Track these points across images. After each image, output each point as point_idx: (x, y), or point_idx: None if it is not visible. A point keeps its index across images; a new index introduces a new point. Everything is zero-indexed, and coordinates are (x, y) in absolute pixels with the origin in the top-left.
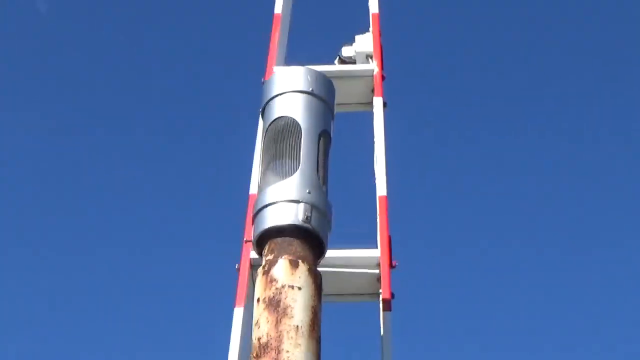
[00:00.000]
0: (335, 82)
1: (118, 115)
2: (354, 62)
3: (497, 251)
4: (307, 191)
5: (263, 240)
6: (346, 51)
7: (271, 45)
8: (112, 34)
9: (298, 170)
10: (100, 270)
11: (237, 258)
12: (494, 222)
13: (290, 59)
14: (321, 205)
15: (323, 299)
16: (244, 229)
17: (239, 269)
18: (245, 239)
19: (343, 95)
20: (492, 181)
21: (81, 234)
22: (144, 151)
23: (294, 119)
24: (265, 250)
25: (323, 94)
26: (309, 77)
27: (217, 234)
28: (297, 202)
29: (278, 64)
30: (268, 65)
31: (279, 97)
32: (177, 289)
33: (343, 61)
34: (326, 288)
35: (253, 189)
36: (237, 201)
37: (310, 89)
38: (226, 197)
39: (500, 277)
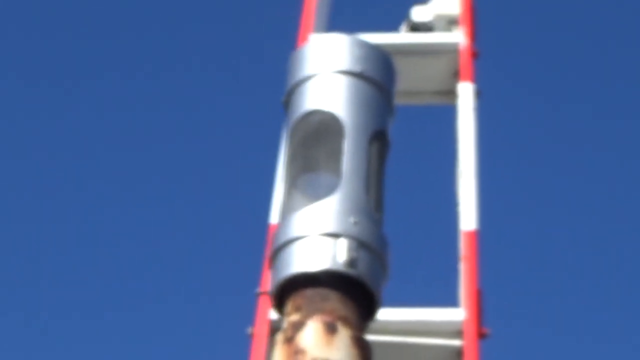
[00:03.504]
0: (399, 60)
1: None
2: (431, 30)
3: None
4: (352, 220)
5: (285, 292)
6: (419, 13)
7: (305, 4)
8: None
9: (339, 189)
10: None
11: (251, 318)
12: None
13: (335, 24)
14: (373, 242)
15: None
16: (260, 274)
17: (252, 335)
18: (259, 290)
19: (412, 79)
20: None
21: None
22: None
23: (333, 113)
24: (289, 308)
25: (379, 77)
26: (357, 50)
27: (225, 282)
28: (337, 236)
29: (317, 32)
30: (300, 33)
31: (312, 80)
32: None
33: (414, 28)
34: None
35: (274, 216)
36: (251, 234)
37: (360, 69)
38: (235, 228)
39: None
